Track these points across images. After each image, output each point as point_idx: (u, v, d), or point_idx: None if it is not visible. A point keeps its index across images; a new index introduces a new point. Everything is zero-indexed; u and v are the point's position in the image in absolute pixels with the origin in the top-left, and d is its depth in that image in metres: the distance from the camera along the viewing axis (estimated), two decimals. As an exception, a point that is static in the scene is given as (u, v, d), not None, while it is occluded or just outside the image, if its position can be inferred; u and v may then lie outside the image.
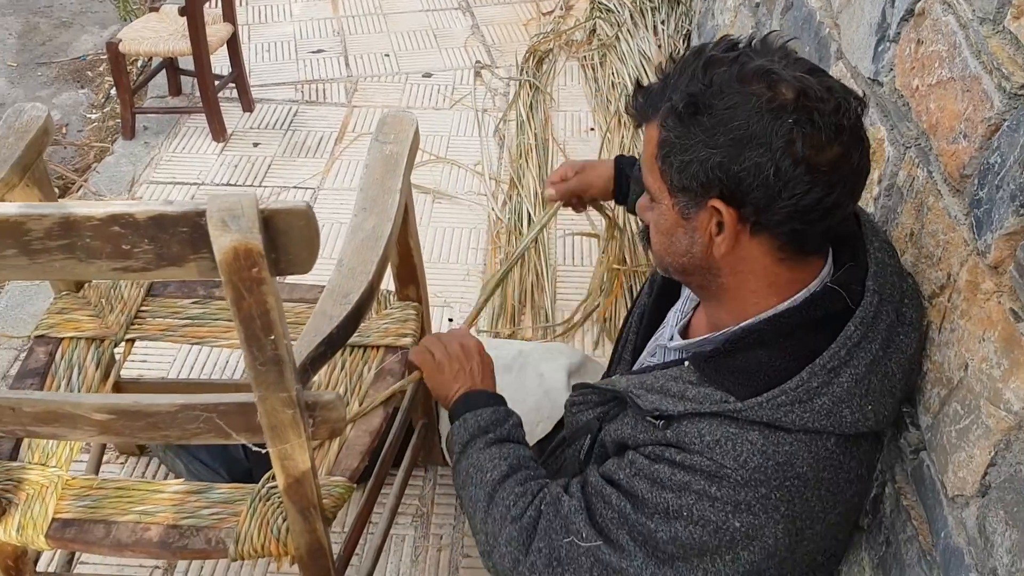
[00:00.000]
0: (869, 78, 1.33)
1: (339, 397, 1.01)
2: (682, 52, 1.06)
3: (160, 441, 1.06)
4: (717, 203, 0.96)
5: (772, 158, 0.91)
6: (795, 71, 0.95)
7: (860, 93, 1.34)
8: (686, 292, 1.23)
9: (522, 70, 3.28)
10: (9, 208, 0.80)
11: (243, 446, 1.64)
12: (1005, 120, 0.94)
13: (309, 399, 1.00)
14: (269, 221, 0.81)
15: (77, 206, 0.80)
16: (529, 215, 2.45)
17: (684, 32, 3.21)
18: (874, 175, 1.29)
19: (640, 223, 1.16)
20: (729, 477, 0.97)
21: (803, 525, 0.99)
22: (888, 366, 1.00)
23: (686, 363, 1.09)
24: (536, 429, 1.55)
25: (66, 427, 1.04)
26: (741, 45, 0.99)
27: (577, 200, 1.61)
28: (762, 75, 0.93)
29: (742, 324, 1.04)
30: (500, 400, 1.29)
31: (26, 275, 0.87)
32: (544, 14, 3.79)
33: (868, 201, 1.29)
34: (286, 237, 0.83)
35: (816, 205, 0.94)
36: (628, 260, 2.02)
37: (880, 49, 1.30)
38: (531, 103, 3.05)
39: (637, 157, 1.47)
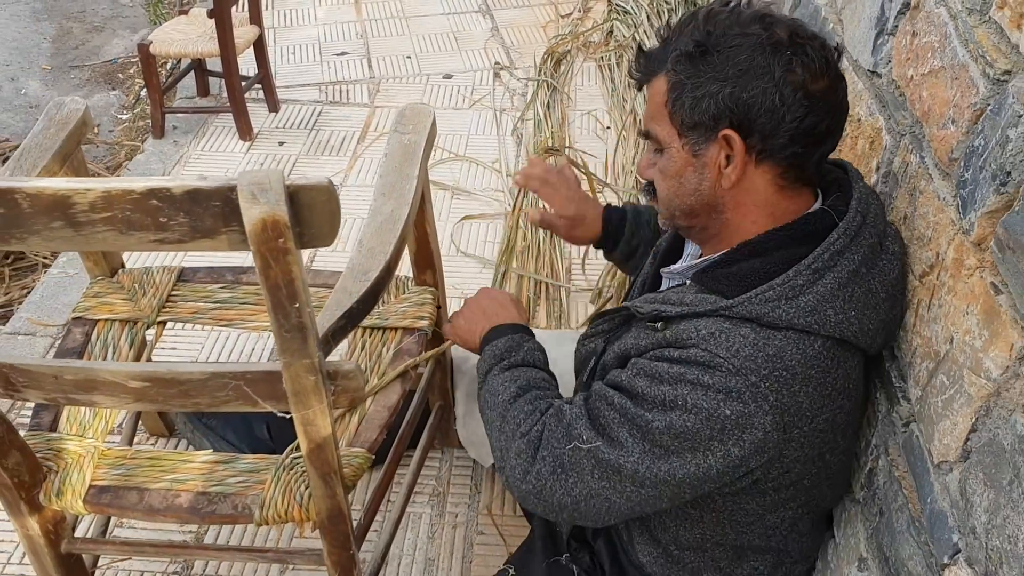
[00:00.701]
0: (869, 70, 1.38)
1: (358, 367, 1.08)
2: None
3: (191, 408, 1.13)
4: (728, 131, 1.06)
5: (776, 85, 1.04)
6: (784, 16, 1.09)
7: (859, 85, 1.40)
8: (688, 250, 1.29)
9: (540, 71, 3.35)
10: (57, 182, 0.87)
11: (267, 427, 1.72)
12: (988, 105, 0.99)
13: (330, 368, 1.07)
14: (295, 196, 0.87)
15: (118, 181, 0.87)
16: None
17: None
18: (872, 163, 1.34)
19: (641, 182, 1.25)
20: (721, 366, 1.03)
21: (790, 420, 1.04)
22: (871, 283, 1.09)
23: (687, 282, 1.18)
24: None
25: (104, 394, 1.11)
26: (731, 3, 1.11)
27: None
28: (759, 19, 1.07)
29: (739, 242, 1.13)
30: (519, 328, 1.33)
31: (72, 246, 0.95)
32: (562, 16, 3.86)
33: (867, 188, 1.34)
34: (310, 211, 0.89)
35: (812, 129, 1.06)
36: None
37: (879, 42, 1.35)
38: (548, 103, 3.11)
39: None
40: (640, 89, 1.18)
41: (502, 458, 1.18)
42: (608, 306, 2.21)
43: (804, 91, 1.04)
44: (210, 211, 0.88)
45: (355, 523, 1.32)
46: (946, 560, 1.00)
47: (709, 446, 1.04)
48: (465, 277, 2.40)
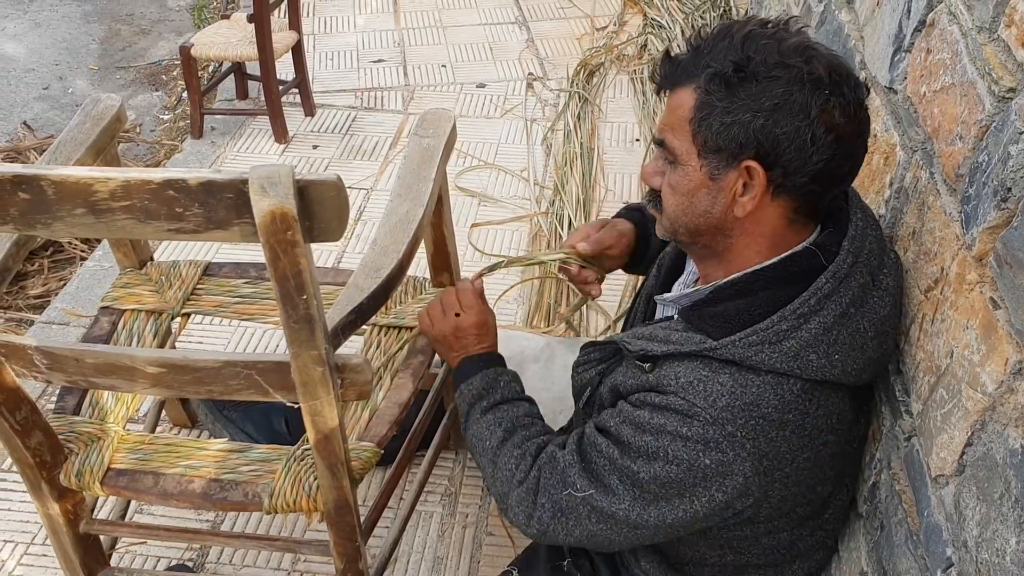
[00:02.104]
0: (885, 86, 1.39)
1: (367, 361, 1.11)
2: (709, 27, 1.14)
3: (204, 395, 1.17)
4: (752, 163, 1.04)
5: (810, 124, 1.02)
6: (821, 46, 1.08)
7: (877, 101, 1.40)
8: (690, 266, 1.29)
9: (573, 82, 3.38)
10: (80, 171, 0.91)
11: (286, 421, 1.76)
12: (993, 121, 1.00)
13: (339, 361, 1.10)
14: (304, 190, 0.90)
15: (137, 171, 0.91)
16: (570, 220, 2.53)
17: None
18: (886, 178, 1.35)
19: (644, 189, 1.24)
20: (699, 416, 1.04)
21: (771, 464, 1.06)
22: (859, 323, 1.08)
23: (675, 316, 1.19)
24: (559, 417, 1.63)
25: (123, 379, 1.15)
26: (770, 25, 1.08)
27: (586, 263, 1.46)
28: (801, 50, 1.04)
29: (729, 277, 1.13)
30: (490, 360, 1.34)
31: (92, 232, 0.99)
32: (598, 29, 3.88)
33: (880, 203, 1.35)
34: (319, 206, 0.92)
35: (837, 170, 1.06)
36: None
37: (896, 59, 1.36)
38: (579, 114, 3.14)
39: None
40: (659, 93, 1.16)
41: (503, 503, 1.22)
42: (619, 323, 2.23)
43: (836, 133, 1.03)
44: (223, 203, 0.92)
45: (363, 517, 1.35)
46: (939, 574, 1.01)
47: (694, 492, 1.07)
48: (488, 282, 2.42)
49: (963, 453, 0.98)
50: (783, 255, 1.11)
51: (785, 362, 1.05)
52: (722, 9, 3.53)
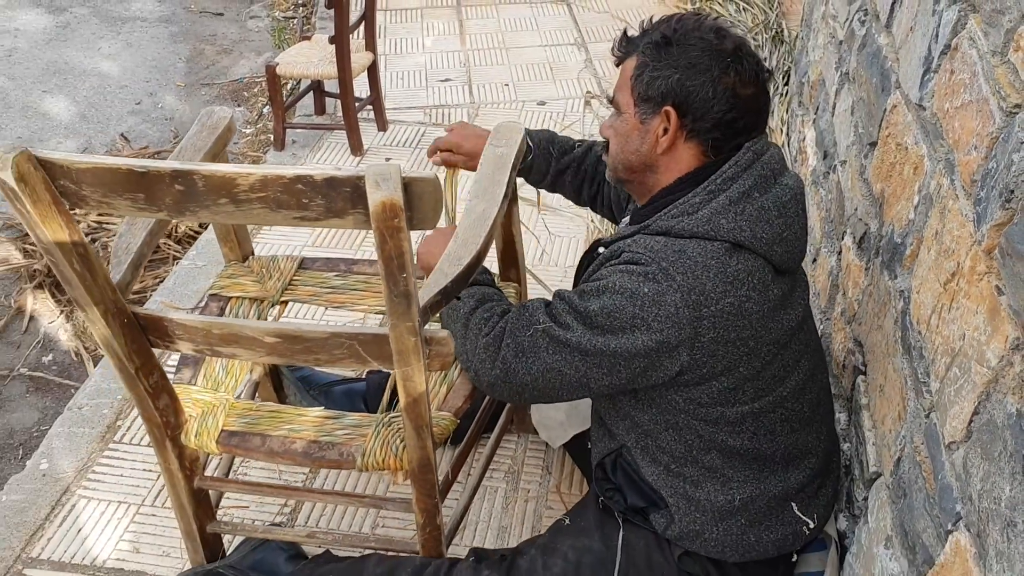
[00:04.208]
0: (916, 104, 1.54)
1: (449, 335, 1.29)
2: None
3: (311, 363, 1.36)
4: (669, 109, 1.36)
5: (712, 82, 1.34)
6: (738, 35, 1.40)
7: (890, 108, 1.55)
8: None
9: (629, 100, 3.55)
10: (226, 167, 1.11)
11: (364, 401, 1.95)
12: (1001, 133, 1.15)
13: (427, 334, 1.28)
14: (408, 186, 1.09)
15: (272, 168, 1.11)
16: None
17: (784, 68, 3.41)
18: (915, 186, 1.49)
19: (601, 137, 1.55)
20: (640, 259, 1.33)
21: (697, 300, 1.29)
22: (762, 202, 1.36)
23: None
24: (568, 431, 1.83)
25: (243, 348, 1.35)
26: (703, 17, 1.42)
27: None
28: (715, 29, 1.38)
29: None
30: None
31: (231, 219, 1.19)
32: (610, 51, 4.04)
33: (909, 209, 1.49)
34: (419, 199, 1.11)
35: (733, 122, 1.36)
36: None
37: (925, 78, 1.51)
38: (635, 130, 3.30)
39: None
40: (618, 65, 1.46)
41: (468, 357, 1.43)
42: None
43: (732, 92, 1.34)
44: (342, 195, 1.11)
45: (441, 476, 1.53)
46: (950, 527, 1.15)
47: (634, 324, 1.31)
48: (547, 283, 2.61)
49: (971, 421, 1.12)
50: (696, 166, 1.40)
51: (701, 226, 1.33)
52: (774, 31, 3.67)
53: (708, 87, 1.33)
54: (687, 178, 1.40)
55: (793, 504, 1.46)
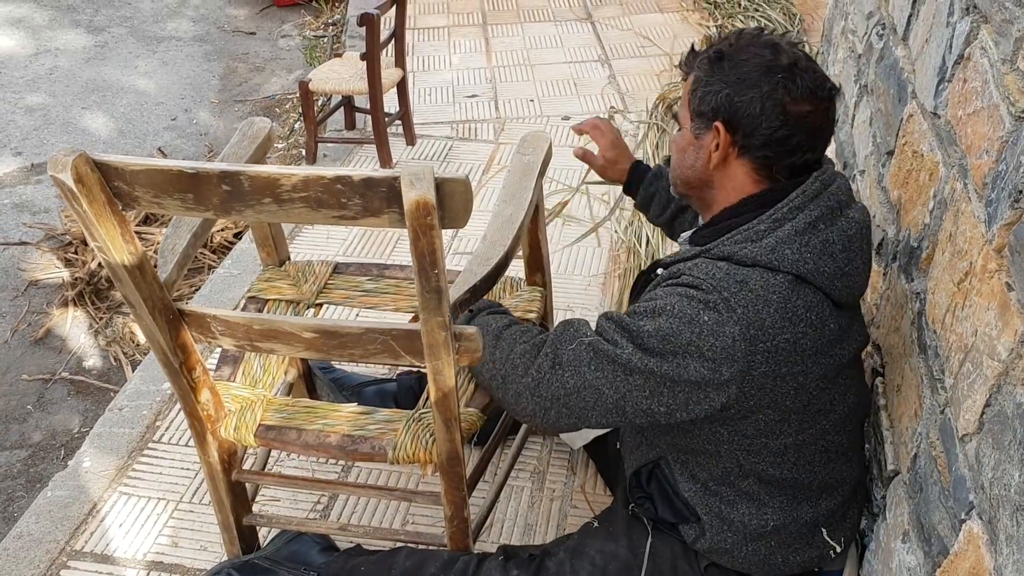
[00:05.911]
0: (931, 112, 1.58)
1: (478, 331, 1.35)
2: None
3: (347, 358, 1.42)
4: (720, 124, 1.34)
5: (760, 97, 1.31)
6: (797, 51, 1.36)
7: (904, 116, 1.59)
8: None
9: (652, 115, 3.61)
10: (270, 169, 1.18)
11: (396, 401, 2.01)
12: (1011, 137, 1.19)
13: (456, 330, 1.34)
14: (441, 186, 1.15)
15: (313, 169, 1.18)
16: (648, 238, 2.75)
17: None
18: (930, 191, 1.54)
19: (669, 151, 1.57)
20: (701, 285, 1.29)
21: (755, 334, 1.26)
22: (828, 235, 1.33)
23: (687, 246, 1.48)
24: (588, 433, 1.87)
25: (281, 343, 1.42)
26: (765, 31, 1.40)
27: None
28: (771, 45, 1.35)
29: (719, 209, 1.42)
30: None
31: (274, 218, 1.25)
32: (676, 66, 4.10)
33: (925, 213, 1.54)
34: (451, 199, 1.17)
35: (783, 140, 1.33)
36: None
37: (940, 88, 1.55)
38: (658, 143, 3.37)
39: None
40: (685, 80, 1.47)
41: (496, 367, 1.43)
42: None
43: (782, 109, 1.31)
44: (378, 195, 1.17)
45: (468, 470, 1.58)
46: (963, 516, 1.19)
47: (688, 351, 1.27)
48: (571, 293, 2.66)
49: (983, 413, 1.16)
50: (763, 188, 1.37)
51: (765, 255, 1.30)
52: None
53: (756, 103, 1.31)
54: (752, 200, 1.37)
55: (823, 530, 1.47)
